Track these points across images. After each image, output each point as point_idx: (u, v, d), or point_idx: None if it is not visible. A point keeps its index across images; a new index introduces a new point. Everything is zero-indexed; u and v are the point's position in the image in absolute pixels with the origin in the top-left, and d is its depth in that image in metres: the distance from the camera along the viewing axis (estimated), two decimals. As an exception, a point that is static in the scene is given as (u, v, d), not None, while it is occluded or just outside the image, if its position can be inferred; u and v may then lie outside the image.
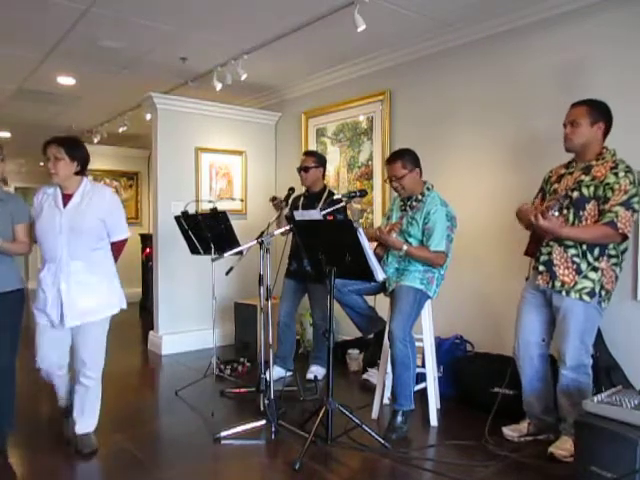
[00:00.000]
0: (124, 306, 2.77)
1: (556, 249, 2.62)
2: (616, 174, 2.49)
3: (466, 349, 3.69)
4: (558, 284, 2.60)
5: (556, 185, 2.73)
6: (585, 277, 2.55)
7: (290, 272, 4.00)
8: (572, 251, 2.58)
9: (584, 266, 2.55)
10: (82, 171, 2.68)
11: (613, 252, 2.57)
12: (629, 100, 2.97)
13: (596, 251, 2.55)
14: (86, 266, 2.62)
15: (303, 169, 3.90)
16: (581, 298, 2.55)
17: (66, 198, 2.64)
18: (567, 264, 2.58)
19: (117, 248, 2.83)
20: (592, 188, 2.54)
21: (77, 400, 2.74)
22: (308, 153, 4.09)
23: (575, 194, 2.58)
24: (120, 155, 8.05)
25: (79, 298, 2.60)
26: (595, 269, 2.54)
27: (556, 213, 2.45)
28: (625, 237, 2.50)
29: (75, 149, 2.64)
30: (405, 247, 3.00)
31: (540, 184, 2.92)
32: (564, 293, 2.58)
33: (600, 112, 2.60)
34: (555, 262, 2.62)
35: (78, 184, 2.67)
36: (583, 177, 2.59)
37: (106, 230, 2.70)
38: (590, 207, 2.54)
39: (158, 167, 4.80)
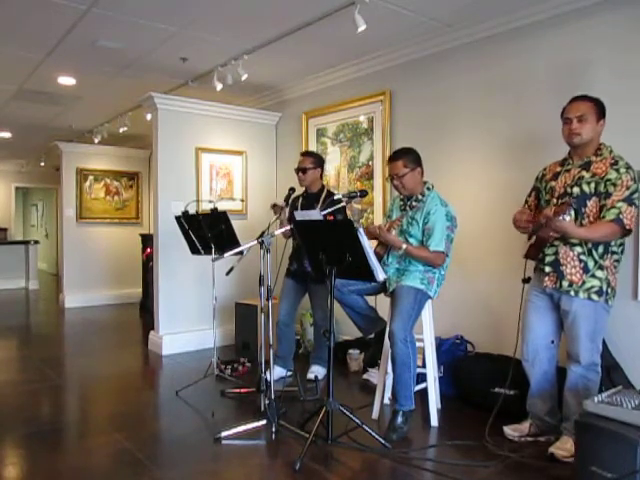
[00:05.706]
0: None
1: (561, 248, 2.61)
2: (617, 170, 2.49)
3: (467, 349, 3.69)
4: (566, 284, 2.59)
5: (553, 182, 2.72)
6: (593, 276, 2.55)
7: (291, 272, 4.00)
8: (578, 249, 2.57)
9: (591, 264, 2.55)
10: None
11: (615, 249, 2.57)
12: (629, 101, 2.97)
13: (600, 249, 2.55)
14: None
15: (301, 170, 3.89)
16: (590, 297, 2.54)
17: None
18: (574, 263, 2.57)
19: None
20: (593, 184, 2.54)
21: None
22: (305, 154, 4.07)
23: (575, 190, 2.58)
24: (120, 155, 8.05)
25: None
26: (601, 267, 2.54)
27: (567, 218, 2.38)
28: (630, 232, 2.51)
29: None
30: (404, 246, 3.01)
31: (533, 183, 2.91)
32: (573, 293, 2.57)
33: (603, 109, 2.62)
34: (562, 261, 2.60)
35: None
36: (583, 174, 2.58)
37: None
38: (591, 204, 2.55)
39: (158, 167, 4.80)
